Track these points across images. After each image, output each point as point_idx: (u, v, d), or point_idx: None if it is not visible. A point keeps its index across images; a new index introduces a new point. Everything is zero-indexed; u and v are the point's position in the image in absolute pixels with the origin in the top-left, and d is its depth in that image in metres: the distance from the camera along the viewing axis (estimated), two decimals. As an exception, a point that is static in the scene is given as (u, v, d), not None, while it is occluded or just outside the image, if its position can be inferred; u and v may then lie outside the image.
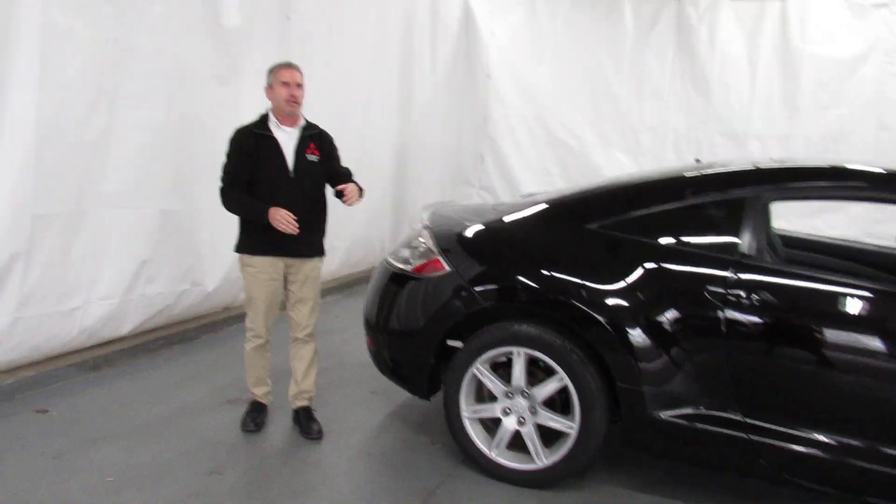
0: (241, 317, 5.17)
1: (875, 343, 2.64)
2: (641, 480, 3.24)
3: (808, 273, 2.82)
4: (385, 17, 6.70)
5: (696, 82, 7.37)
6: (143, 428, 3.51)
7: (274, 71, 3.35)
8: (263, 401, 3.69)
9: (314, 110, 5.64)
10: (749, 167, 3.23)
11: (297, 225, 3.19)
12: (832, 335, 2.68)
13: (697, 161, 3.66)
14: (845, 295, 2.71)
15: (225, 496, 2.93)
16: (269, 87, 3.37)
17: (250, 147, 3.32)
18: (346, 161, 6.45)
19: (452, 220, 3.58)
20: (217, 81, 4.73)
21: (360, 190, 3.52)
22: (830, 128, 6.93)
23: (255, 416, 3.61)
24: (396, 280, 3.43)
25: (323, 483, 3.10)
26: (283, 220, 3.17)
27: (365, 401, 4.00)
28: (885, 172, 2.92)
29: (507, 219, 3.37)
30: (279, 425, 3.64)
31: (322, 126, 6.15)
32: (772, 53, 7.06)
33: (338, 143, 6.32)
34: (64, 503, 2.79)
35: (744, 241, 2.87)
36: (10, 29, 3.33)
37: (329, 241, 6.87)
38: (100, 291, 4.14)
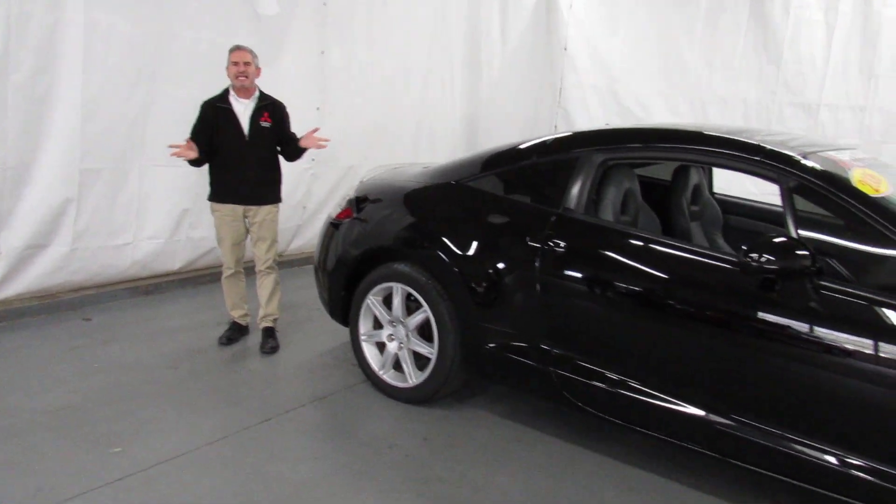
0: (284, 263, 6.16)
1: (660, 293, 2.85)
2: (508, 409, 3.64)
3: (621, 230, 3.05)
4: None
5: (768, 50, 7.05)
6: (148, 336, 4.50)
7: (229, 54, 4.12)
8: (241, 322, 4.53)
9: (358, 89, 6.43)
10: (590, 130, 3.44)
11: (182, 148, 3.97)
12: (626, 285, 2.92)
13: (606, 125, 3.86)
14: (650, 253, 2.93)
15: (166, 383, 3.80)
16: (227, 67, 4.14)
17: (210, 116, 4.12)
18: (405, 136, 7.13)
19: (383, 177, 4.15)
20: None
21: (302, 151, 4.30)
22: (911, 97, 6.38)
23: (231, 333, 4.46)
24: (331, 227, 4.09)
25: (245, 382, 3.87)
26: (183, 152, 3.99)
27: (330, 333, 4.68)
28: (703, 134, 3.04)
29: (404, 176, 3.89)
30: (249, 343, 4.46)
31: (373, 104, 6.92)
32: (851, 18, 6.59)
33: (393, 118, 7.02)
34: (54, 377, 3.80)
35: (570, 196, 3.16)
36: (57, 27, 4.41)
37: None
38: (147, 232, 5.23)
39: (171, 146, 3.96)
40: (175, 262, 5.54)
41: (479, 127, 8.12)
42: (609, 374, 2.95)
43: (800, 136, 3.67)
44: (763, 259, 2.46)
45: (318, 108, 6.12)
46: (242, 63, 4.11)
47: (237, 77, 4.11)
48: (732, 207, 4.23)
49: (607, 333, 2.98)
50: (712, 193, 4.27)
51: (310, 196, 6.31)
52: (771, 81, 7.09)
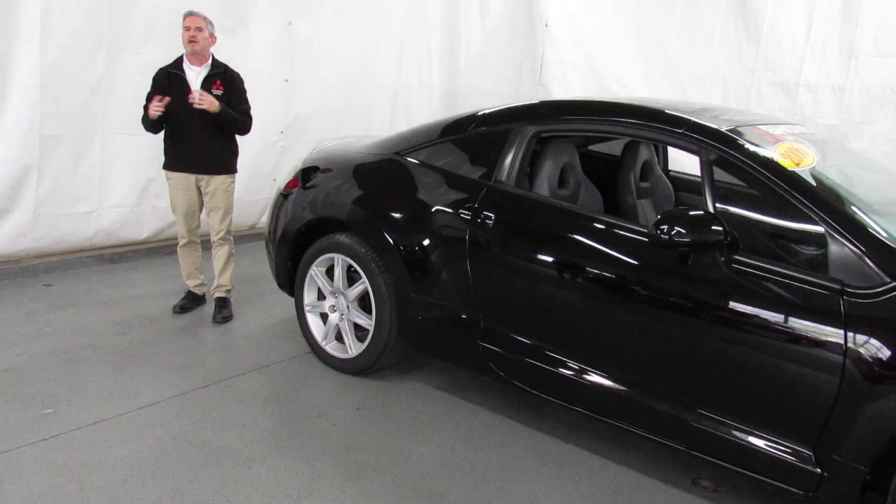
0: (254, 236, 6.18)
1: (578, 265, 2.86)
2: (447, 382, 3.67)
3: (548, 202, 3.05)
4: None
5: (747, 28, 6.95)
6: (105, 303, 4.55)
7: (183, 19, 4.10)
8: (196, 291, 4.57)
9: (329, 61, 6.39)
10: (523, 103, 3.42)
11: (161, 106, 3.97)
12: (547, 257, 2.93)
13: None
14: (571, 224, 2.94)
15: (113, 348, 3.84)
16: (182, 34, 4.13)
17: (162, 83, 4.12)
18: (380, 110, 7.01)
19: (332, 148, 4.14)
20: (223, 32, 5.56)
21: (242, 130, 4.31)
22: (892, 77, 6.28)
23: (185, 302, 4.50)
24: (280, 197, 4.09)
25: (191, 350, 3.91)
26: (151, 107, 4.00)
27: (287, 305, 4.70)
28: (629, 106, 3.02)
29: (352, 148, 3.89)
30: (203, 313, 4.49)
31: (344, 77, 6.75)
32: (832, -6, 6.50)
33: (366, 91, 6.95)
34: (4, 340, 3.85)
35: (502, 168, 3.16)
36: (15, -9, 4.43)
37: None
38: (111, 200, 5.27)
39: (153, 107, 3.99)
40: (142, 232, 5.57)
41: (457, 102, 8.06)
42: (531, 346, 2.97)
43: (749, 112, 3.64)
44: (674, 232, 2.45)
45: (286, 80, 6.11)
46: (194, 28, 4.09)
47: (188, 42, 4.10)
48: (686, 184, 4.21)
49: (529, 305, 2.99)
50: (666, 171, 4.26)
51: (279, 169, 6.29)
52: (750, 60, 6.99)
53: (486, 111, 3.41)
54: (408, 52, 7.30)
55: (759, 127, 2.88)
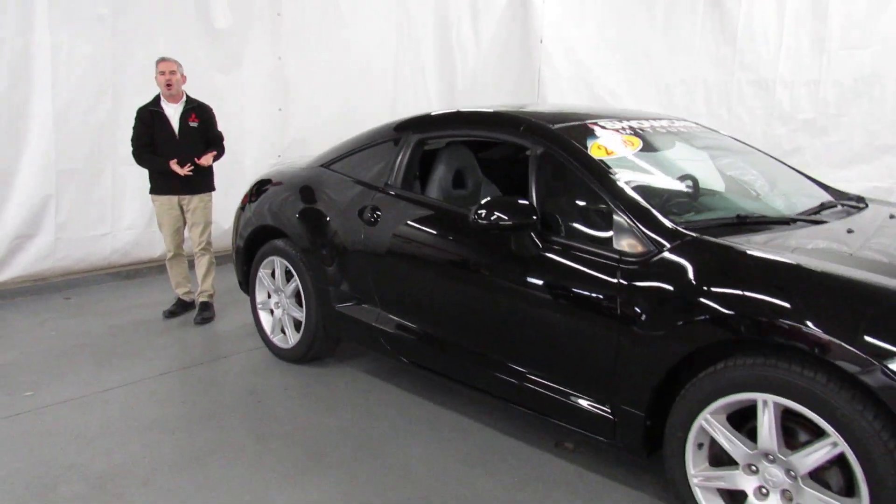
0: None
1: (433, 251, 3.32)
2: (377, 368, 4.13)
3: (418, 199, 3.51)
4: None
5: (724, 30, 7.14)
6: (109, 311, 5.25)
7: (156, 64, 4.78)
8: (185, 298, 5.21)
9: (320, 89, 7.00)
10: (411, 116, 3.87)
11: (188, 167, 4.72)
12: (412, 245, 3.40)
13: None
14: (430, 216, 3.40)
15: (101, 347, 4.50)
16: (155, 77, 4.80)
17: (147, 120, 4.80)
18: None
19: (284, 165, 4.71)
20: (219, 71, 6.30)
21: (220, 154, 4.96)
22: (863, 69, 6.35)
23: (175, 308, 5.15)
24: (239, 210, 4.67)
25: (166, 346, 4.54)
26: (174, 167, 4.71)
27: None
28: (479, 112, 3.45)
29: (298, 163, 4.44)
30: (189, 317, 5.12)
31: (338, 102, 7.34)
32: (800, -8, 6.63)
33: (361, 114, 7.51)
34: (14, 342, 4.59)
35: (392, 172, 3.63)
36: (27, 48, 5.24)
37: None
38: (124, 223, 6.02)
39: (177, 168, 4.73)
40: (155, 250, 6.29)
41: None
42: (406, 323, 3.42)
43: (638, 112, 3.93)
44: (493, 217, 2.83)
45: (279, 110, 6.75)
46: (168, 72, 4.76)
47: (166, 85, 4.76)
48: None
49: (403, 288, 3.46)
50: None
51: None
52: (728, 61, 7.19)
53: (388, 124, 3.88)
54: (403, 77, 7.85)
55: (598, 122, 3.23)
